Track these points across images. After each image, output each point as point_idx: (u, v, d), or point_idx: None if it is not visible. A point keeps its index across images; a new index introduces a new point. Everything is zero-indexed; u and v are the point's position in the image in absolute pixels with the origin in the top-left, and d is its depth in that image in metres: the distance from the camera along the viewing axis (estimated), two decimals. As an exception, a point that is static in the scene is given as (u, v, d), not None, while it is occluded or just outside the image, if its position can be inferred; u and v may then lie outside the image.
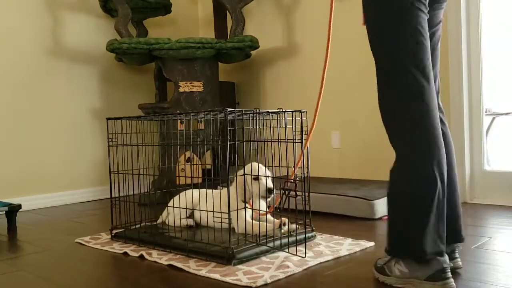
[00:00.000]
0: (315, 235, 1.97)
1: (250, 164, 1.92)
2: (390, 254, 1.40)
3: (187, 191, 2.15)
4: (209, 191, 2.11)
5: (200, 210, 2.04)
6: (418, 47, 1.33)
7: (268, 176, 1.91)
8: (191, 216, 2.14)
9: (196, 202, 2.13)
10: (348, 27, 3.13)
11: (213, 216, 1.93)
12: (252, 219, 1.94)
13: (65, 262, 1.79)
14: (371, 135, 3.09)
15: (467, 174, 2.70)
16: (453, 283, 1.28)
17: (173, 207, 2.08)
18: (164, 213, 2.19)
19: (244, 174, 1.83)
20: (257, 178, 1.89)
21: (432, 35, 1.48)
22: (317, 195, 2.52)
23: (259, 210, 1.95)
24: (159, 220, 2.20)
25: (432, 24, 1.48)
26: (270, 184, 1.89)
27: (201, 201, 2.10)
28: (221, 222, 1.85)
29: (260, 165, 1.92)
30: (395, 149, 1.37)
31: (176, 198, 2.13)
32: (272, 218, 1.97)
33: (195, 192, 2.15)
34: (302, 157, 1.71)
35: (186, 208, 2.08)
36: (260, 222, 1.87)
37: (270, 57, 3.74)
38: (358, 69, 3.11)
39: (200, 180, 3.03)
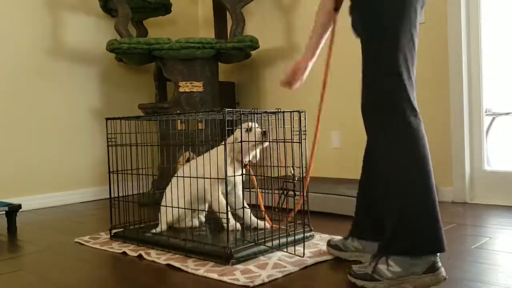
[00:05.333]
0: (313, 235, 1.97)
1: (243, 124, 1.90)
2: (385, 253, 1.35)
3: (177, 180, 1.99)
4: (199, 160, 1.99)
5: (197, 177, 1.93)
6: None
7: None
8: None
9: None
10: (347, 27, 3.13)
11: (210, 181, 1.88)
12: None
13: (65, 262, 1.79)
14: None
15: (467, 174, 2.70)
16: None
17: (178, 207, 2.05)
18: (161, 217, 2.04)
19: (240, 141, 1.82)
20: (249, 129, 1.87)
21: None
22: (316, 195, 2.52)
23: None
24: (159, 229, 2.02)
25: None
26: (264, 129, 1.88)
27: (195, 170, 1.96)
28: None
29: (254, 123, 1.90)
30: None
31: (171, 192, 2.00)
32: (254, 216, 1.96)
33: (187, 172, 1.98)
34: (312, 157, 1.74)
35: (191, 209, 2.03)
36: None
37: (270, 57, 3.74)
38: (358, 69, 3.10)
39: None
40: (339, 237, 1.72)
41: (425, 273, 1.29)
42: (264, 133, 1.86)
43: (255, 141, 1.85)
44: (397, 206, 1.34)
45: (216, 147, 1.97)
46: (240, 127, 1.88)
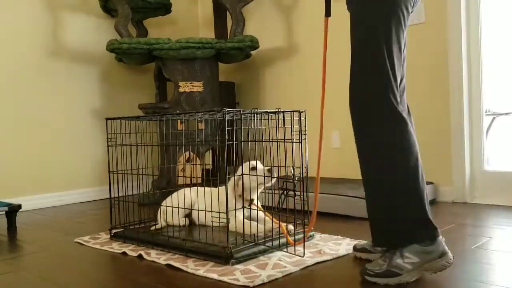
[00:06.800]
0: (313, 235, 1.97)
1: (248, 162, 1.92)
2: (393, 247, 1.39)
3: (183, 190, 2.13)
4: (206, 189, 2.10)
5: (198, 209, 2.04)
6: None
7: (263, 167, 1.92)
8: (189, 215, 2.14)
9: (193, 201, 2.12)
10: (347, 26, 3.13)
11: (211, 216, 1.93)
12: (250, 219, 1.93)
13: (65, 262, 1.79)
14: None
15: (467, 174, 2.69)
16: None
17: (171, 206, 2.07)
18: (159, 215, 2.14)
19: (242, 174, 1.83)
20: (253, 168, 1.89)
21: None
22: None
23: (256, 204, 1.95)
24: (159, 226, 2.11)
25: None
26: (268, 167, 1.88)
27: (198, 200, 2.09)
28: (219, 222, 1.85)
29: (257, 161, 1.92)
30: None
31: (171, 197, 2.12)
32: (265, 217, 1.95)
33: (192, 191, 2.14)
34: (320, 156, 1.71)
35: (184, 208, 2.07)
36: (255, 223, 1.86)
37: (270, 57, 3.74)
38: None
39: (200, 180, 3.03)
40: (364, 241, 1.71)
41: (440, 257, 1.35)
42: (269, 170, 1.87)
43: (263, 176, 1.85)
44: (387, 199, 1.40)
45: (224, 185, 1.93)
46: (242, 165, 1.89)
